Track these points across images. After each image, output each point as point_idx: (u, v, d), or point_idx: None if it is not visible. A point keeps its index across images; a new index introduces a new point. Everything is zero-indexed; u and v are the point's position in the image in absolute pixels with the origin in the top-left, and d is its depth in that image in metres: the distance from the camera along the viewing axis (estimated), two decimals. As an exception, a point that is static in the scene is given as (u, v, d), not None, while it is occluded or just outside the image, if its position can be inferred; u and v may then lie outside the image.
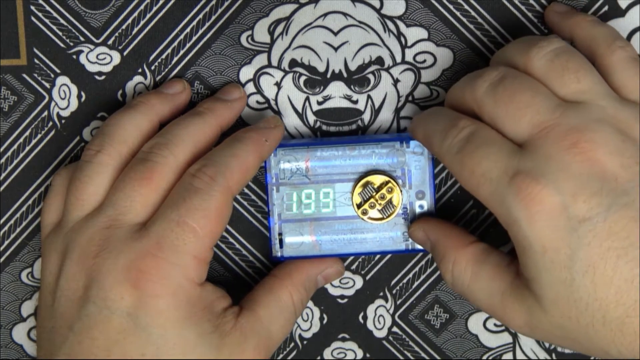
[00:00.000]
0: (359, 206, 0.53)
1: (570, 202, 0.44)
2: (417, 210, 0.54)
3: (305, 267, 0.54)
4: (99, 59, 0.55)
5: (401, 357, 0.57)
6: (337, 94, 0.55)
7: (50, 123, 0.56)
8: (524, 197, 0.45)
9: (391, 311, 0.57)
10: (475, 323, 0.57)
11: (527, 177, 0.45)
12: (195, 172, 0.50)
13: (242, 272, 0.57)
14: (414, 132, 0.52)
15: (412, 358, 0.57)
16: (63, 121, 0.56)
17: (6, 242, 0.57)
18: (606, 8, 0.55)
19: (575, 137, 0.45)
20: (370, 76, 0.55)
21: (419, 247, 0.54)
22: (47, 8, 0.55)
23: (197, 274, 0.49)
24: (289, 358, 0.57)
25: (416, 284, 0.57)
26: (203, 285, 0.50)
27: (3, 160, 0.56)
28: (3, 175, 0.56)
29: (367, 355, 0.57)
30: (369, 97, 0.55)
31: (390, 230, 0.54)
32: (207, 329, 0.49)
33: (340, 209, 0.54)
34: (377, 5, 0.55)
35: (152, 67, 0.55)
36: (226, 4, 0.55)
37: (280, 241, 0.54)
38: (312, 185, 0.54)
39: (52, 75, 0.56)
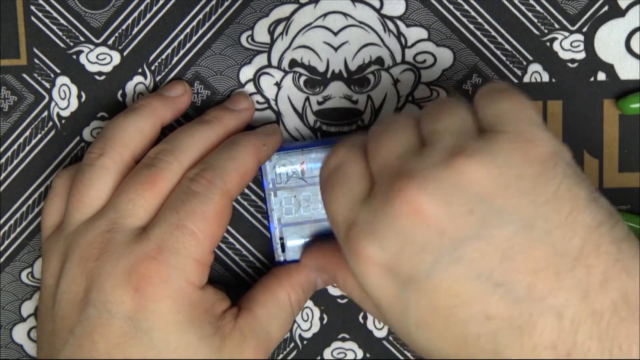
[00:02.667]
0: None
1: (394, 261, 0.41)
2: None
3: (304, 269, 0.54)
4: (99, 59, 0.55)
5: (401, 357, 0.57)
6: (337, 94, 0.55)
7: (50, 123, 0.56)
8: (355, 253, 0.43)
9: (391, 311, 0.57)
10: (475, 323, 0.57)
11: (359, 232, 0.42)
12: (194, 176, 0.50)
13: (242, 272, 0.57)
14: None
15: (412, 358, 0.57)
16: (63, 121, 0.56)
17: (6, 242, 0.57)
18: (606, 8, 0.55)
19: (402, 183, 0.41)
20: (370, 76, 0.55)
21: None
22: (47, 8, 0.55)
23: (197, 278, 0.49)
24: (289, 358, 0.57)
25: (416, 284, 0.57)
26: (204, 288, 0.50)
27: (3, 160, 0.56)
28: (3, 175, 0.56)
29: (367, 355, 0.57)
30: (369, 97, 0.55)
31: None
32: (208, 331, 0.49)
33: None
34: (377, 5, 0.55)
35: (152, 67, 0.55)
36: (226, 4, 0.55)
37: (282, 245, 0.54)
38: (310, 187, 0.54)
39: (52, 75, 0.56)
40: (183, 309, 0.48)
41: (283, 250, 0.54)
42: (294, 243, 0.54)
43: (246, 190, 0.56)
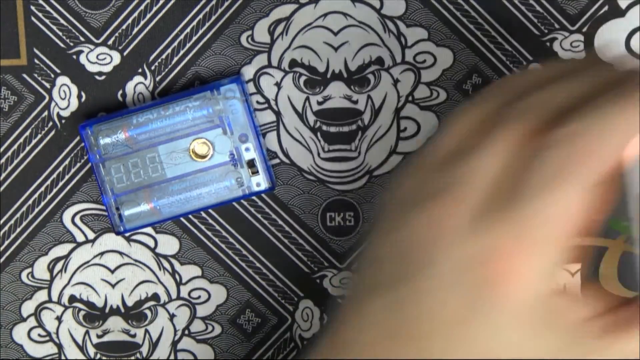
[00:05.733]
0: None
1: None
2: (244, 153, 0.54)
3: None
4: (99, 59, 0.55)
5: (401, 357, 0.57)
6: (337, 94, 0.55)
7: (50, 123, 0.56)
8: None
9: (391, 311, 0.57)
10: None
11: None
12: None
13: (242, 272, 0.57)
14: None
15: (412, 358, 0.57)
16: (63, 121, 0.56)
17: (6, 242, 0.57)
18: (606, 8, 0.55)
19: None
20: (370, 76, 0.55)
21: (256, 189, 0.54)
22: (47, 8, 0.55)
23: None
24: (289, 358, 0.57)
25: (416, 284, 0.57)
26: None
27: (3, 160, 0.56)
28: (3, 175, 0.56)
29: (367, 355, 0.57)
30: (369, 97, 0.55)
31: (223, 179, 0.54)
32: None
33: (169, 170, 0.54)
34: (377, 5, 0.55)
35: (152, 67, 0.55)
36: (226, 4, 0.55)
37: (120, 215, 0.54)
38: (136, 153, 0.54)
39: (52, 75, 0.56)
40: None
41: (121, 220, 0.54)
42: (131, 211, 0.54)
43: (246, 190, 0.56)
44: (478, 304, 0.39)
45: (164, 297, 0.57)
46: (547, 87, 0.40)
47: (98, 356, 0.57)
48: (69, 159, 0.56)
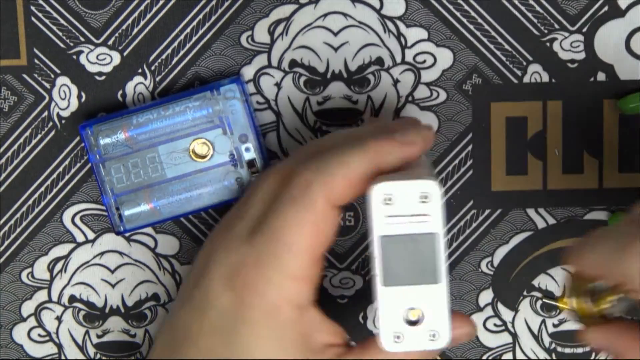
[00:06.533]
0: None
1: None
2: (244, 153, 0.54)
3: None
4: (99, 59, 0.55)
5: (401, 357, 0.57)
6: (337, 95, 0.55)
7: (50, 123, 0.56)
8: None
9: (391, 311, 0.57)
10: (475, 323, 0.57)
11: None
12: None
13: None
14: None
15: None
16: (63, 121, 0.56)
17: (6, 242, 0.57)
18: (606, 8, 0.55)
19: None
20: (370, 76, 0.55)
21: None
22: (47, 8, 0.55)
23: (295, 295, 0.46)
24: (289, 358, 0.57)
25: (416, 284, 0.57)
26: (305, 310, 0.47)
27: (3, 160, 0.56)
28: (3, 175, 0.56)
29: (367, 355, 0.57)
30: (369, 97, 0.55)
31: (223, 179, 0.54)
32: (292, 355, 0.46)
33: (169, 170, 0.54)
34: (377, 5, 0.55)
35: (152, 68, 0.55)
36: (226, 4, 0.55)
37: (120, 215, 0.54)
38: (136, 153, 0.54)
39: (52, 76, 0.56)
40: (273, 325, 0.46)
41: (121, 220, 0.54)
42: (131, 212, 0.54)
43: (246, 191, 0.56)
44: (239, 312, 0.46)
45: (164, 297, 0.57)
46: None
47: (98, 356, 0.57)
48: (69, 159, 0.56)
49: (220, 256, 0.47)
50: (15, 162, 0.56)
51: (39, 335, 0.57)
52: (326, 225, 0.46)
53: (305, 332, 0.47)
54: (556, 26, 0.55)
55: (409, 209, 0.43)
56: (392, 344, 0.44)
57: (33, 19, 0.55)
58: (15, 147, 0.56)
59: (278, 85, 0.55)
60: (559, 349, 0.57)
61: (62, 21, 0.55)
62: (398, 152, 0.46)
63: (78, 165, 0.56)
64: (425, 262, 0.43)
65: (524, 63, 0.55)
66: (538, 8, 0.55)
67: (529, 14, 0.55)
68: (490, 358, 0.57)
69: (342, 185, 0.45)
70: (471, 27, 0.55)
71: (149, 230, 0.56)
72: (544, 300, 0.57)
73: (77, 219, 0.56)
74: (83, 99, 0.56)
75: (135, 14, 0.55)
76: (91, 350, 0.57)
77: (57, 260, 0.57)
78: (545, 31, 0.55)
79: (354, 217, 0.56)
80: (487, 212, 0.56)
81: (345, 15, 0.55)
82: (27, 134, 0.56)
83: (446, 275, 0.44)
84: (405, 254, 0.43)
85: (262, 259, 0.46)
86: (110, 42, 0.55)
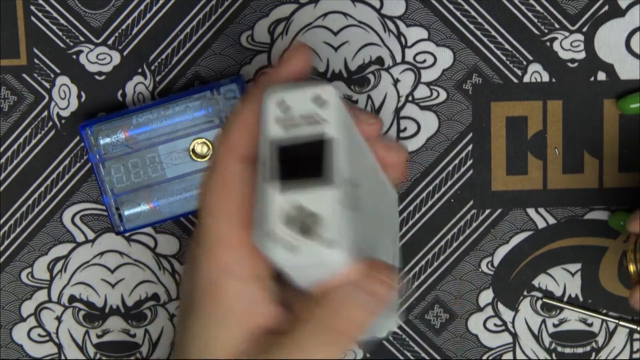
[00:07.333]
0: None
1: None
2: None
3: None
4: (99, 59, 0.55)
5: (401, 357, 0.57)
6: (337, 94, 0.55)
7: (50, 123, 0.56)
8: None
9: (391, 311, 0.57)
10: (475, 323, 0.57)
11: None
12: None
13: (242, 272, 0.57)
14: None
15: (412, 358, 0.57)
16: (63, 121, 0.56)
17: (6, 242, 0.57)
18: (606, 8, 0.55)
19: None
20: (370, 76, 0.55)
21: None
22: (47, 8, 0.55)
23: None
24: (289, 358, 0.57)
25: (416, 284, 0.57)
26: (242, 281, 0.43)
27: (3, 160, 0.56)
28: (3, 175, 0.56)
29: (367, 355, 0.57)
30: (369, 97, 0.55)
31: None
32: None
33: (169, 170, 0.54)
34: (377, 5, 0.55)
35: (152, 67, 0.55)
36: (226, 4, 0.55)
37: (120, 215, 0.54)
38: (136, 153, 0.54)
39: (52, 75, 0.56)
40: (215, 303, 0.43)
41: (121, 220, 0.54)
42: (131, 211, 0.54)
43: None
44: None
45: (164, 297, 0.57)
46: None
47: (98, 356, 0.57)
48: (69, 159, 0.56)
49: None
50: (15, 162, 0.56)
51: (39, 335, 0.57)
52: (238, 179, 0.43)
53: (245, 310, 0.43)
54: (556, 26, 0.55)
55: (302, 114, 0.40)
56: (286, 256, 0.39)
57: (33, 18, 0.55)
58: (15, 147, 0.56)
59: (278, 84, 0.55)
60: (559, 349, 0.57)
61: (62, 21, 0.55)
62: (276, 75, 0.44)
63: (78, 165, 0.56)
64: (319, 167, 0.40)
65: (524, 62, 0.55)
66: (538, 8, 0.55)
67: (529, 14, 0.55)
68: (490, 358, 0.57)
69: (239, 135, 0.43)
70: (471, 26, 0.55)
71: (149, 230, 0.56)
72: (544, 300, 0.57)
73: (77, 219, 0.56)
74: (83, 99, 0.56)
75: (135, 14, 0.55)
76: (91, 350, 0.57)
77: (57, 260, 0.57)
78: (546, 31, 0.55)
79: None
80: (487, 212, 0.56)
81: (345, 14, 0.55)
82: (27, 133, 0.56)
83: (343, 182, 0.39)
84: (298, 158, 0.40)
85: (198, 232, 0.44)
86: (110, 42, 0.55)
